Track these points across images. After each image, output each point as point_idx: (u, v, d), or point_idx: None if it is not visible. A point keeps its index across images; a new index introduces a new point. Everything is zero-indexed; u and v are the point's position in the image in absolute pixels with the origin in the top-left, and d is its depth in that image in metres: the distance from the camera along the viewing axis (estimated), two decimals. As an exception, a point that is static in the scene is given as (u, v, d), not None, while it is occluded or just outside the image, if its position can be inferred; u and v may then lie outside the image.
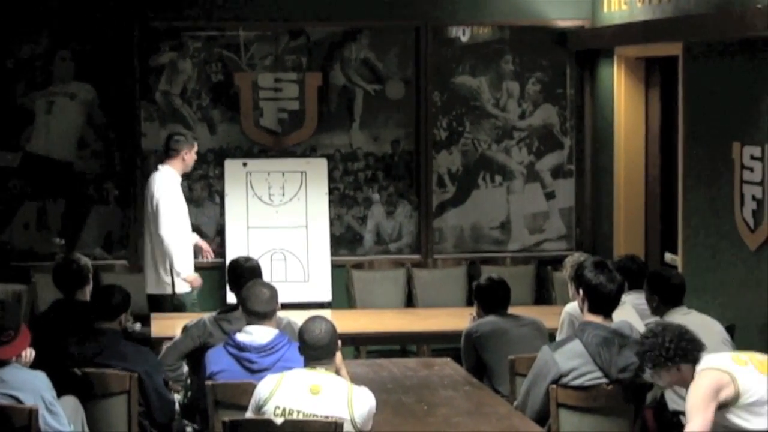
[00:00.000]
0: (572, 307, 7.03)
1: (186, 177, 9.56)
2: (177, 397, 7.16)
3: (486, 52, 10.26)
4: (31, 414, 5.81)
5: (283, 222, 9.88)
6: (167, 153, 9.23)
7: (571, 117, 10.42)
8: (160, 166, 9.27)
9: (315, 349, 5.61)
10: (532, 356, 6.31)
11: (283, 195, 9.82)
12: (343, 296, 10.01)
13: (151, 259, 9.14)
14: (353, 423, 5.47)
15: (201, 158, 9.94)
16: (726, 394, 5.48)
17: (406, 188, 10.26)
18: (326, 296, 9.76)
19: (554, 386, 6.04)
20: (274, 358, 6.26)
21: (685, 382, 5.59)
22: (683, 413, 6.70)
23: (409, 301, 10.04)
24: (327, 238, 9.93)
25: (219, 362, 6.36)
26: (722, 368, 5.53)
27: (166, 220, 9.05)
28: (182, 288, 9.04)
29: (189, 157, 9.25)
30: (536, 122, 10.40)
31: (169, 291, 9.04)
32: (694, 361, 5.60)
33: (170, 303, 9.04)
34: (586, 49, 10.21)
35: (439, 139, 10.26)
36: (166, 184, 9.13)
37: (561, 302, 8.54)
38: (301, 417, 5.45)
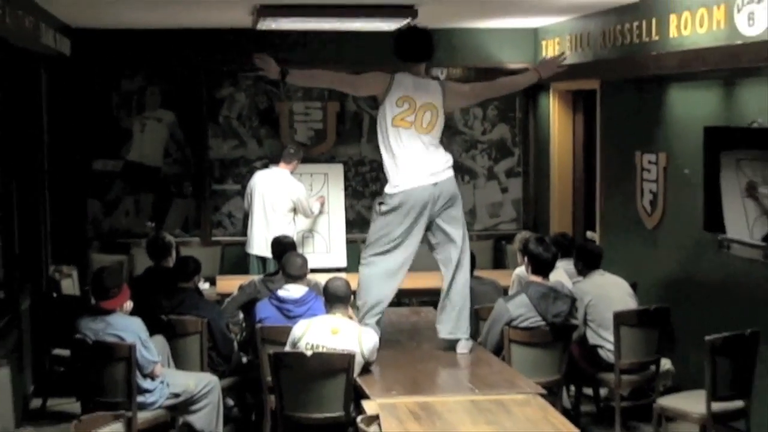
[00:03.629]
0: (520, 270, 7.04)
1: (242, 177, 9.54)
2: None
3: (458, 87, 10.20)
4: (131, 349, 5.86)
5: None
6: (284, 158, 9.16)
7: (520, 133, 10.40)
8: (274, 167, 9.20)
9: (336, 295, 5.63)
10: (491, 306, 6.33)
11: (311, 190, 9.80)
12: (355, 263, 9.69)
13: (266, 229, 8.92)
14: (362, 354, 5.50)
15: (252, 164, 9.95)
16: None
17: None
18: (342, 263, 9.74)
19: (507, 327, 6.06)
20: (305, 308, 6.29)
21: None
22: (601, 347, 6.74)
23: (403, 267, 9.98)
24: (343, 221, 9.91)
25: (265, 311, 6.38)
26: None
27: (306, 204, 9.11)
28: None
29: (296, 165, 9.20)
30: (494, 137, 10.39)
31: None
32: None
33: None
34: (530, 85, 10.16)
35: (424, 150, 10.20)
36: (295, 182, 9.10)
37: (512, 267, 8.50)
38: (324, 350, 5.48)
